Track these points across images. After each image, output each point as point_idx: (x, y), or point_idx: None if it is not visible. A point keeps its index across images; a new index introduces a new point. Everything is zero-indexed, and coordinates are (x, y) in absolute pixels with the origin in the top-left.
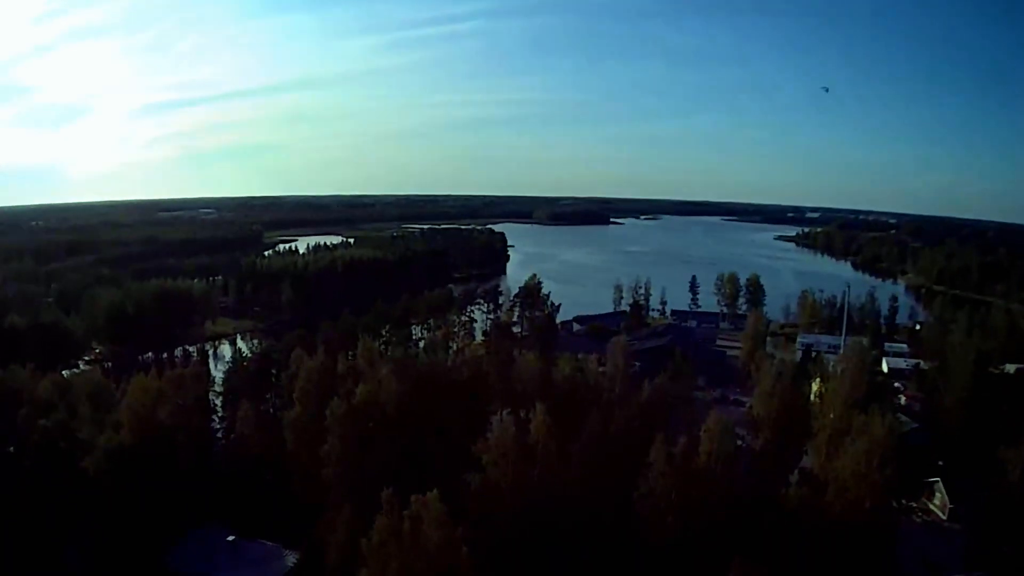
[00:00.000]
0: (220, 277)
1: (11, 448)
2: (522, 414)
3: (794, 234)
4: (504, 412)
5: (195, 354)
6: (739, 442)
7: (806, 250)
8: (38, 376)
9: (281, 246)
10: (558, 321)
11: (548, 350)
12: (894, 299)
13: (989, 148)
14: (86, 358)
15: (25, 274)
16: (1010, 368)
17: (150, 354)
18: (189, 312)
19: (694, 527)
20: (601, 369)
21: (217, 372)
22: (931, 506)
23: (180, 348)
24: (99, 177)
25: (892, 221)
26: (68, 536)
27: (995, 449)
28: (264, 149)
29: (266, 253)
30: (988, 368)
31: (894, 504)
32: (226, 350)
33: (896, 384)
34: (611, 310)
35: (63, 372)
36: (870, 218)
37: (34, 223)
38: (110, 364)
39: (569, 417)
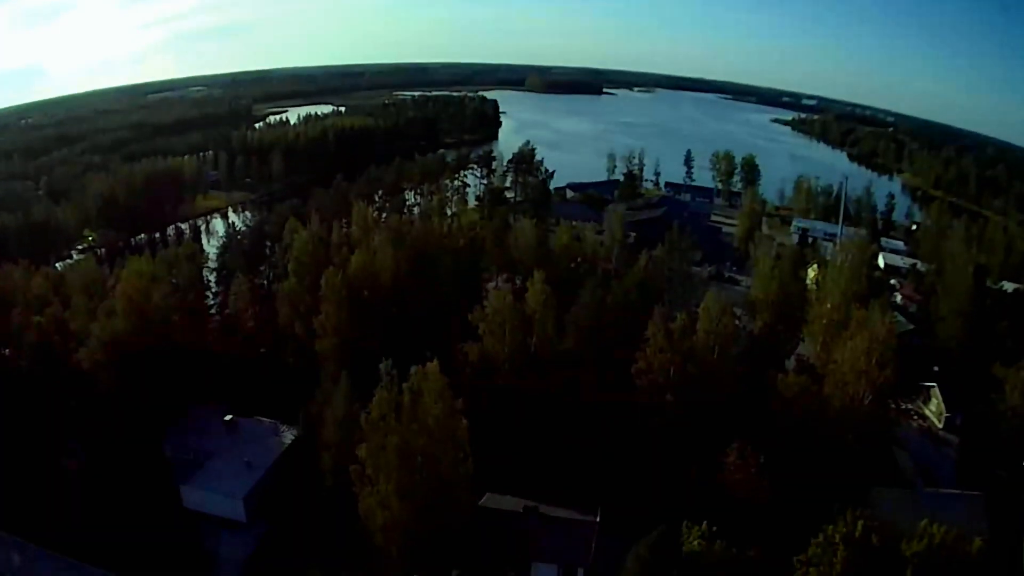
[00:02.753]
0: (210, 152)
1: (5, 350)
2: (518, 282)
3: (790, 119)
4: (500, 279)
5: (188, 232)
6: (736, 322)
7: (802, 136)
8: (31, 272)
9: (272, 118)
10: (552, 188)
11: (543, 216)
12: (891, 196)
13: (996, 61)
14: (79, 247)
15: (15, 172)
16: (1008, 286)
17: (143, 236)
18: (180, 190)
19: (691, 406)
20: (599, 238)
21: (210, 248)
22: (927, 411)
23: (173, 227)
24: (87, 69)
25: (890, 120)
26: (67, 431)
27: (990, 365)
28: (254, 26)
29: (256, 126)
30: (986, 282)
31: (892, 404)
32: (219, 225)
33: (892, 281)
34: (605, 179)
35: (56, 265)
36: (867, 113)
37: (23, 121)
38: (103, 251)
39: (566, 286)
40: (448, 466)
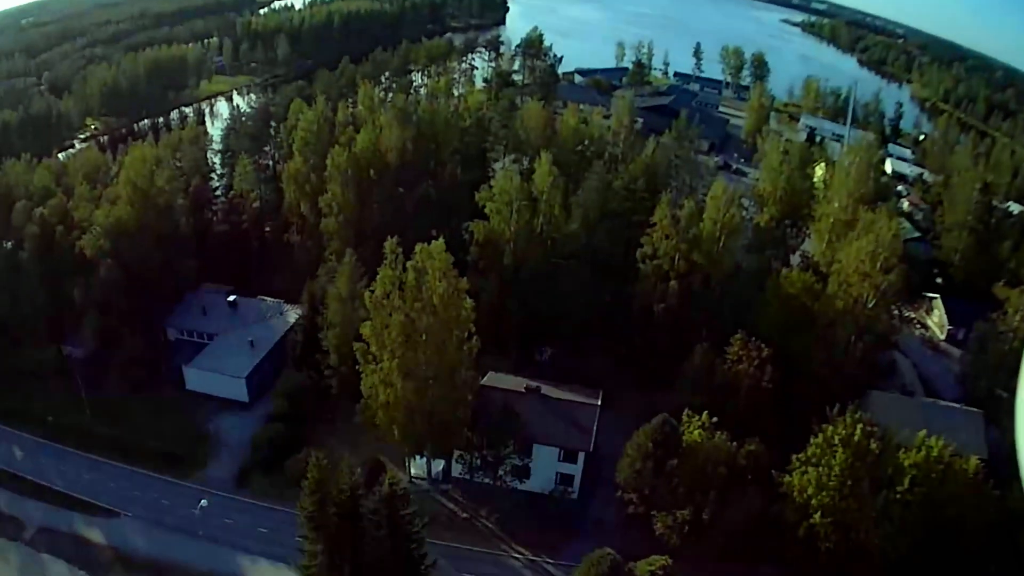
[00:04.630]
0: (215, 39)
1: (9, 243)
2: (525, 163)
3: (799, 20)
4: (508, 160)
5: (192, 116)
6: (743, 213)
7: (812, 37)
8: (33, 165)
9: (277, 3)
10: (559, 72)
11: (550, 99)
12: (900, 104)
13: None
14: (81, 137)
15: (16, 70)
16: (1015, 207)
17: (147, 122)
18: (184, 76)
19: (694, 292)
20: (606, 123)
21: (215, 130)
22: (929, 322)
23: (176, 112)
24: None
25: (900, 32)
26: (71, 320)
27: (992, 283)
28: None
29: (261, 11)
30: (991, 200)
31: (895, 310)
32: (223, 108)
33: (899, 188)
34: (613, 66)
35: (59, 156)
36: (877, 22)
37: (24, 21)
38: (106, 139)
39: (573, 168)
40: (452, 345)
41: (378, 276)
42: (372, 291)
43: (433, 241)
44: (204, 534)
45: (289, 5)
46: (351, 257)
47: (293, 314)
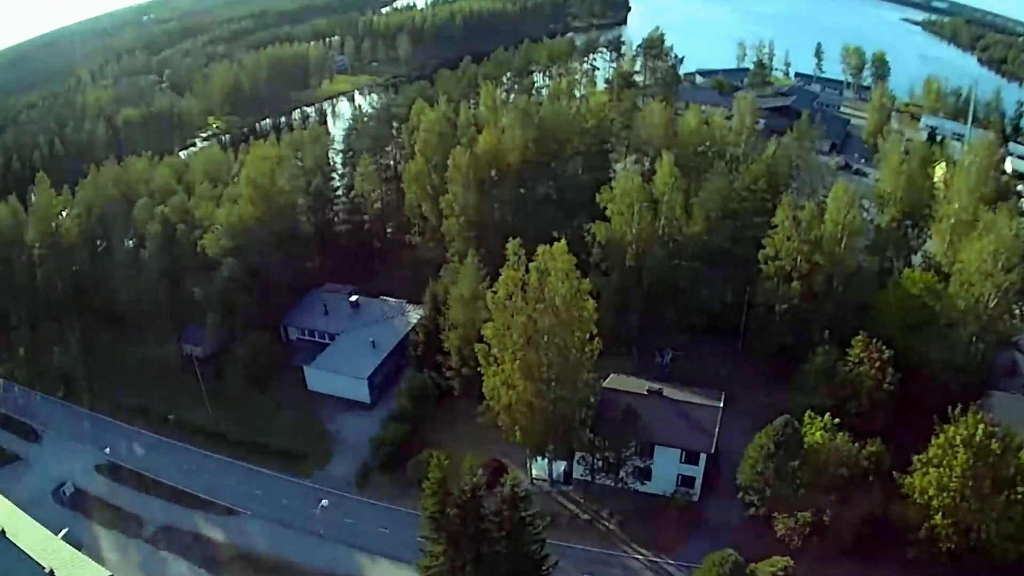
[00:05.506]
0: (336, 37)
1: (130, 241)
2: (646, 164)
3: (920, 19)
4: (629, 161)
5: (313, 115)
6: (864, 214)
7: (932, 36)
8: (155, 163)
9: (398, 2)
10: (681, 73)
11: (671, 100)
12: (1020, 103)
13: None
14: (203, 136)
15: (137, 68)
16: None
17: (268, 121)
18: (305, 75)
19: (815, 292)
20: (727, 123)
21: (336, 130)
22: None
23: (298, 111)
24: None
25: (1020, 30)
26: (192, 318)
27: None
28: None
29: (383, 10)
30: None
31: (1016, 310)
32: (345, 108)
33: (1020, 187)
34: (734, 67)
35: (180, 154)
36: (997, 21)
37: (145, 17)
38: (227, 138)
39: (694, 170)
40: (574, 346)
41: (500, 277)
42: (494, 292)
43: (555, 242)
44: (325, 533)
45: (411, 4)
46: (473, 258)
47: (415, 314)
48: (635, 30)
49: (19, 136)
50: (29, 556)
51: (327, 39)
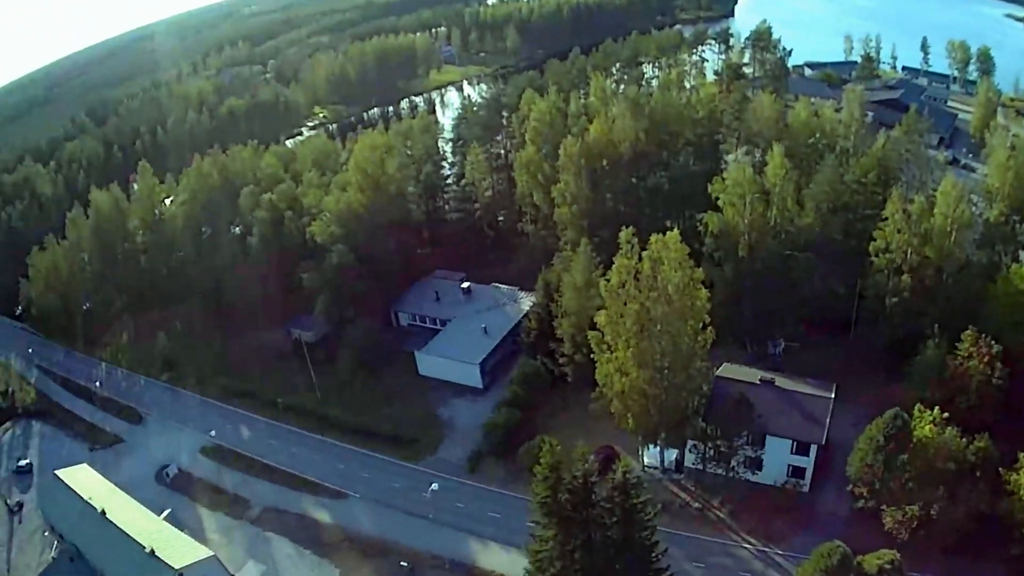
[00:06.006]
0: (443, 28)
1: (236, 228)
2: (757, 155)
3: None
4: (740, 152)
5: (422, 105)
6: (972, 209)
7: None
8: (261, 152)
9: None
10: (789, 65)
11: (780, 92)
12: None
13: None
14: (309, 124)
15: (240, 58)
16: None
17: (375, 111)
18: (412, 66)
19: (926, 288)
20: (837, 116)
21: (445, 119)
22: None
23: (406, 101)
24: None
25: None
26: (300, 304)
27: None
28: None
29: (489, 1)
30: None
31: None
32: (453, 98)
33: None
34: (842, 59)
35: (287, 143)
36: None
37: (247, 9)
38: (334, 127)
39: (804, 161)
40: (687, 335)
41: (614, 265)
42: (607, 280)
43: (668, 232)
44: (434, 517)
45: None
46: (586, 246)
47: (527, 301)
48: (742, 23)
49: (121, 126)
50: (129, 535)
51: (433, 30)
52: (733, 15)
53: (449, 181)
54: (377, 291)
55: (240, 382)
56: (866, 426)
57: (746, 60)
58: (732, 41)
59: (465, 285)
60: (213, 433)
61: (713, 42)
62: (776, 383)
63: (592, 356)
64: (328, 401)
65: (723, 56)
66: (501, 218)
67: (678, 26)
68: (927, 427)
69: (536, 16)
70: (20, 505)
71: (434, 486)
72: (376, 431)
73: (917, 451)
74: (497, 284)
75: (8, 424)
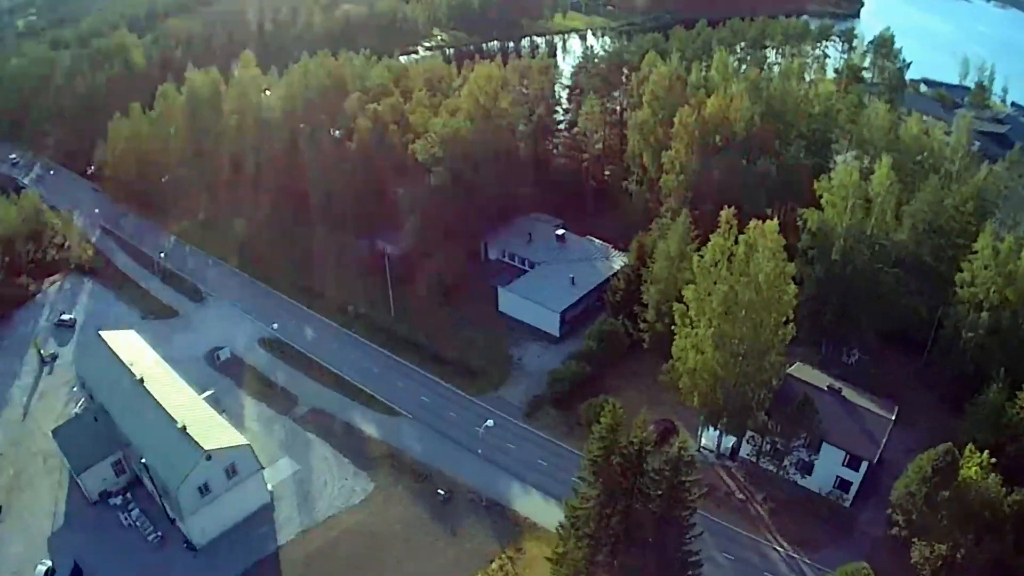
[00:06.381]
0: None
1: (337, 132)
2: (865, 162)
3: None
4: (849, 155)
5: (543, 47)
6: None
7: None
8: (372, 63)
9: None
10: (907, 78)
11: (895, 103)
12: None
13: None
14: (426, 44)
15: None
16: None
17: (495, 44)
18: (538, 5)
19: (1001, 327)
20: (945, 138)
21: (564, 65)
22: None
23: (527, 39)
24: None
25: None
26: (389, 217)
27: None
28: None
29: None
30: None
31: None
32: (575, 45)
33: None
34: (955, 82)
35: (400, 58)
36: None
37: None
38: (451, 51)
39: (909, 176)
40: (768, 326)
41: (710, 243)
42: (701, 256)
43: (767, 220)
44: (483, 453)
45: None
46: (686, 218)
47: (619, 260)
48: (866, 25)
49: (228, 11)
50: (164, 408)
51: None
52: (859, 16)
53: (561, 127)
54: (470, 220)
55: (313, 282)
56: (918, 454)
57: (866, 64)
58: (855, 42)
59: (560, 232)
60: (276, 326)
61: (837, 39)
62: (843, 392)
63: (673, 327)
64: (400, 318)
65: (844, 55)
66: (607, 173)
67: (805, 16)
68: (973, 469)
69: None
70: (54, 357)
71: (489, 423)
72: (443, 357)
73: (959, 491)
74: (592, 238)
75: (58, 277)
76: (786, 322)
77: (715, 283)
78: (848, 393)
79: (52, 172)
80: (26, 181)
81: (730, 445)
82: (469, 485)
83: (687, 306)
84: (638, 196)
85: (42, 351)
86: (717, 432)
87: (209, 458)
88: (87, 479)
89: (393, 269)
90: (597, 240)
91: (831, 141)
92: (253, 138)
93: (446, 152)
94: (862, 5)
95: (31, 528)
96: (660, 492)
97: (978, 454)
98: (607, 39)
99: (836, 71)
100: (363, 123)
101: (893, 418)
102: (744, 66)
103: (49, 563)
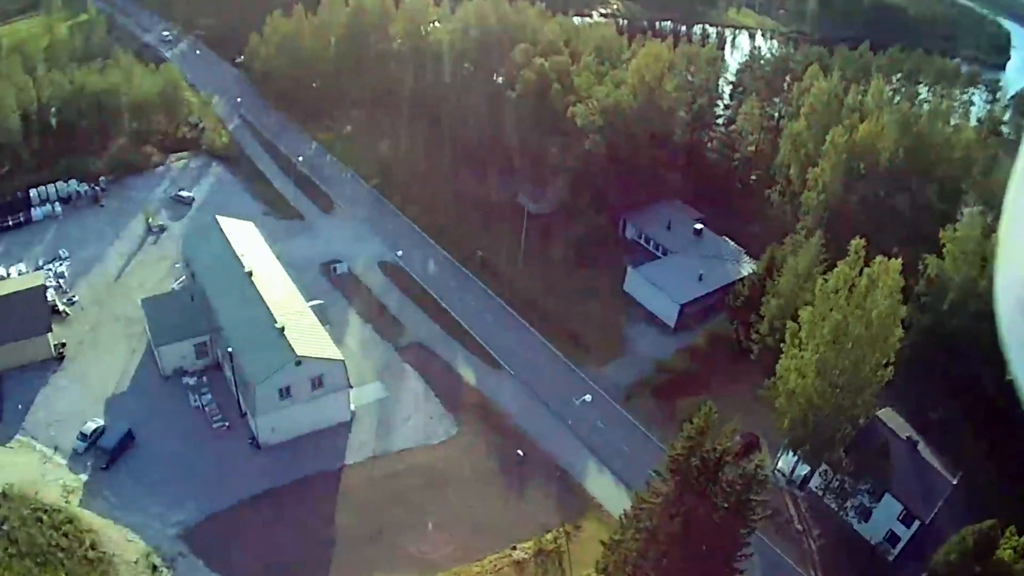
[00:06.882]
0: None
1: (499, 78)
2: (989, 219)
3: None
4: (977, 208)
5: (713, 37)
6: None
7: None
8: (545, 17)
9: None
10: None
11: None
12: None
13: None
14: (601, 11)
15: None
16: None
17: (668, 24)
18: None
19: None
20: None
21: (731, 61)
22: None
23: (700, 27)
24: None
25: None
26: (533, 173)
27: None
28: None
29: None
30: None
31: None
32: (743, 42)
33: None
34: None
35: (574, 18)
36: None
37: None
38: (625, 23)
39: None
40: (869, 364)
41: (836, 269)
42: (825, 280)
43: (892, 257)
44: (571, 424)
45: None
46: (820, 239)
47: (748, 266)
48: (1011, 78)
49: None
50: (267, 305)
51: None
52: (1004, 69)
53: (719, 121)
54: (616, 193)
55: (447, 220)
56: (965, 527)
57: (1006, 119)
58: (999, 94)
59: (699, 227)
60: (400, 254)
61: (983, 87)
62: (918, 447)
63: (782, 345)
64: (526, 275)
65: (988, 105)
66: (753, 177)
67: (957, 59)
68: (1007, 552)
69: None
70: (162, 228)
71: (587, 397)
72: (559, 322)
73: (991, 570)
74: (727, 239)
75: (186, 155)
76: (887, 364)
77: (831, 309)
78: (923, 448)
79: (199, 52)
80: (168, 55)
81: (803, 474)
82: (549, 452)
83: (800, 327)
84: (778, 207)
85: (151, 220)
86: (795, 458)
87: (299, 364)
88: (166, 353)
89: (530, 225)
90: (732, 242)
91: (963, 191)
92: (413, 66)
93: (605, 121)
94: (1008, 59)
95: (93, 386)
96: (727, 504)
97: (1016, 537)
98: (775, 43)
99: (979, 120)
100: (528, 75)
101: (955, 482)
102: (898, 97)
103: (101, 423)
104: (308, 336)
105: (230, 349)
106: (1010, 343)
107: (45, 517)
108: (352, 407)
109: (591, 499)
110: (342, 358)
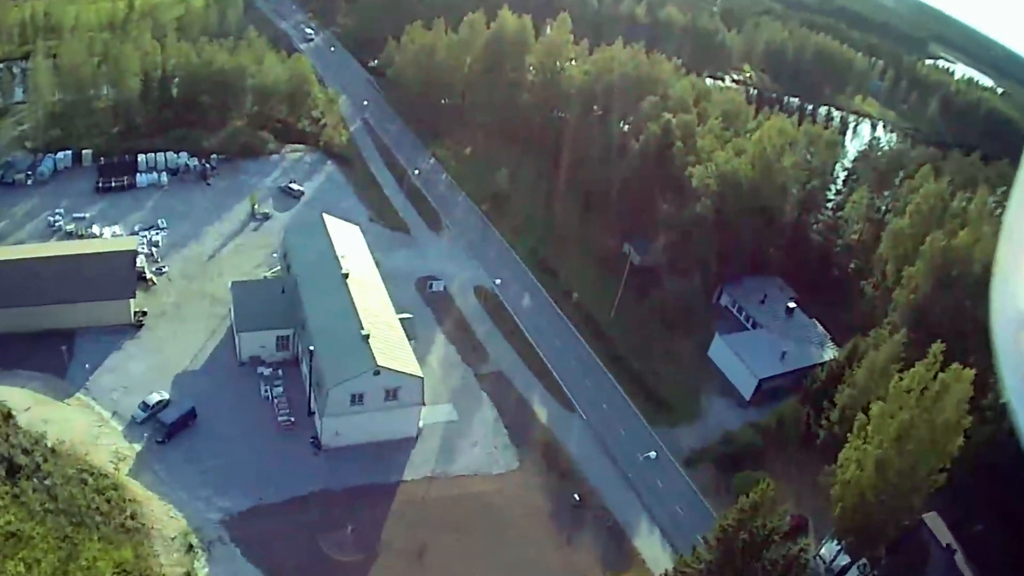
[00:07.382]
0: (881, 61)
1: (625, 125)
2: None
3: None
4: None
5: (836, 121)
6: None
7: None
8: (680, 74)
9: (941, 62)
10: None
11: None
12: None
13: None
14: (734, 76)
15: None
16: None
17: (796, 100)
18: (843, 80)
19: None
20: None
21: (850, 147)
22: None
23: (825, 108)
24: None
25: None
26: (640, 225)
27: None
28: None
29: (926, 61)
30: None
31: None
32: (864, 131)
33: None
34: None
35: (707, 79)
36: None
37: None
38: (755, 92)
39: None
40: (924, 468)
41: (912, 368)
42: (901, 378)
43: (967, 367)
44: (631, 478)
45: (947, 69)
46: (902, 337)
47: (830, 352)
48: None
49: None
50: (356, 310)
51: (873, 58)
52: None
53: (829, 205)
54: (716, 258)
55: (551, 258)
56: None
57: None
58: None
59: (792, 305)
60: (498, 282)
61: None
62: (955, 556)
63: (848, 435)
64: (617, 325)
65: None
66: (851, 266)
67: None
68: None
69: (960, 99)
70: (266, 216)
71: (651, 454)
72: (639, 377)
73: None
74: (817, 322)
75: (303, 148)
76: (942, 469)
77: (900, 408)
78: (959, 558)
79: (333, 49)
80: (303, 48)
81: (843, 563)
82: (604, 502)
83: (868, 420)
84: (870, 299)
85: (256, 206)
86: (838, 547)
87: (377, 373)
88: (246, 340)
89: (630, 276)
90: (820, 326)
91: None
92: (543, 99)
93: (720, 187)
94: None
95: (165, 359)
96: None
97: None
98: (893, 136)
99: None
100: (654, 128)
101: None
102: (1000, 210)
103: (166, 396)
104: (392, 347)
105: (312, 347)
106: (1004, 365)
107: (90, 479)
108: (420, 424)
109: (637, 555)
110: (421, 375)
